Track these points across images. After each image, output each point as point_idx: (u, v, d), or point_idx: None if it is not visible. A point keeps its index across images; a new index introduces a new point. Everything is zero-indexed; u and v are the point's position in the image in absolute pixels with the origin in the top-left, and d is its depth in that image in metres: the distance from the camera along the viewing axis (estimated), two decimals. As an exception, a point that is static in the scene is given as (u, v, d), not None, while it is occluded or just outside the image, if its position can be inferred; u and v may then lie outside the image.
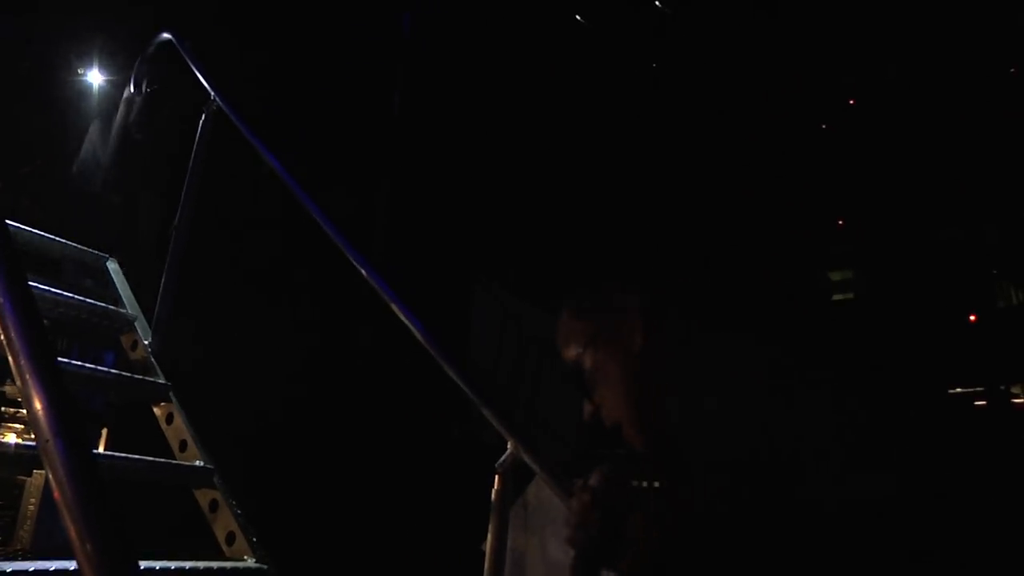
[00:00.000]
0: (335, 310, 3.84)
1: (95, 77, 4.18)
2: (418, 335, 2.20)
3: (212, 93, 2.89)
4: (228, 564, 2.12)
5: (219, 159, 2.92)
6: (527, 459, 1.93)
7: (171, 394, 2.53)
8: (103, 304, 2.73)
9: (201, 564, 1.99)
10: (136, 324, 2.77)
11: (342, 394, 3.78)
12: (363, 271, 2.39)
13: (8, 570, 1.62)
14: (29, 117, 3.92)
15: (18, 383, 1.00)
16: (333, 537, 3.37)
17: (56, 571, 1.68)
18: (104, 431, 3.25)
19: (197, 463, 2.35)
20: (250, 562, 2.16)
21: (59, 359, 2.11)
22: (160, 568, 1.88)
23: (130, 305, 2.86)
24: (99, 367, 2.44)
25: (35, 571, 1.65)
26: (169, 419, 2.48)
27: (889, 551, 0.88)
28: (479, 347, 4.94)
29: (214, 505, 2.28)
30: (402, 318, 2.24)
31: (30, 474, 2.30)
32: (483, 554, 1.92)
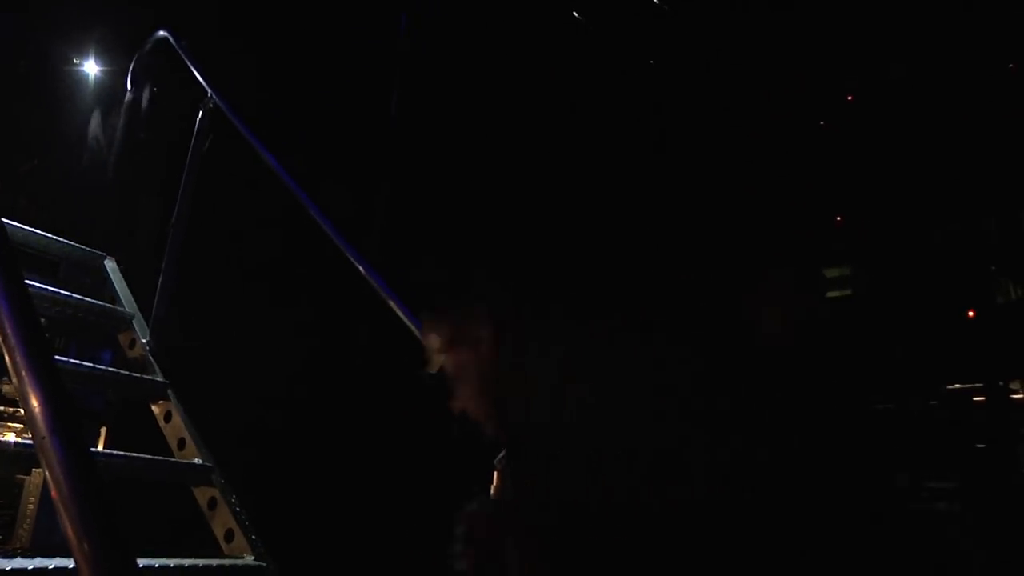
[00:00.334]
0: (334, 308, 3.84)
1: (92, 71, 4.17)
2: (418, 334, 2.20)
3: (208, 90, 2.89)
4: (227, 562, 2.12)
5: (217, 157, 2.92)
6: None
7: (169, 392, 2.53)
8: (100, 302, 2.73)
9: (200, 562, 1.99)
10: (134, 322, 2.78)
11: (341, 392, 3.78)
12: (361, 268, 2.39)
13: (7, 568, 1.62)
14: (28, 115, 3.92)
15: (15, 381, 1.00)
16: (332, 534, 3.37)
17: (55, 569, 1.68)
18: (103, 429, 3.25)
19: (196, 461, 2.35)
20: (249, 559, 2.16)
21: (56, 357, 2.11)
22: (159, 566, 1.88)
23: (128, 303, 2.86)
24: (97, 365, 2.45)
25: (34, 569, 1.65)
26: (167, 417, 2.49)
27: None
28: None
29: (213, 503, 2.28)
30: (401, 316, 2.24)
31: (29, 472, 2.30)
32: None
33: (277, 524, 2.33)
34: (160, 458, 2.31)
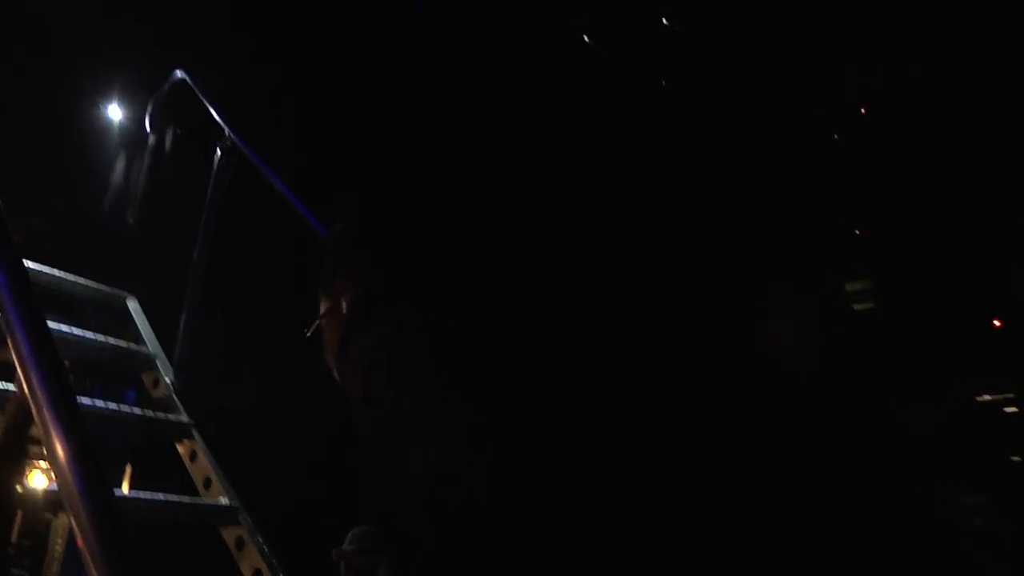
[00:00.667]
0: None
1: (115, 115, 4.25)
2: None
3: (226, 129, 2.93)
4: (255, 602, 2.11)
5: (236, 194, 2.95)
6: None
7: (194, 431, 2.53)
8: (124, 343, 2.75)
9: (228, 603, 1.99)
10: (157, 361, 2.79)
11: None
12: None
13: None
14: (53, 160, 3.99)
15: (40, 433, 1.01)
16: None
17: (83, 615, 1.67)
18: (128, 467, 3.26)
19: (222, 500, 2.35)
20: (276, 599, 2.15)
21: (81, 399, 2.13)
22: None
23: (150, 343, 2.88)
24: (122, 406, 2.46)
25: (62, 615, 1.65)
26: (193, 456, 2.49)
27: None
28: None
29: (240, 543, 2.27)
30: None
31: (56, 514, 2.32)
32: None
33: (306, 562, 2.31)
34: (186, 499, 2.31)
